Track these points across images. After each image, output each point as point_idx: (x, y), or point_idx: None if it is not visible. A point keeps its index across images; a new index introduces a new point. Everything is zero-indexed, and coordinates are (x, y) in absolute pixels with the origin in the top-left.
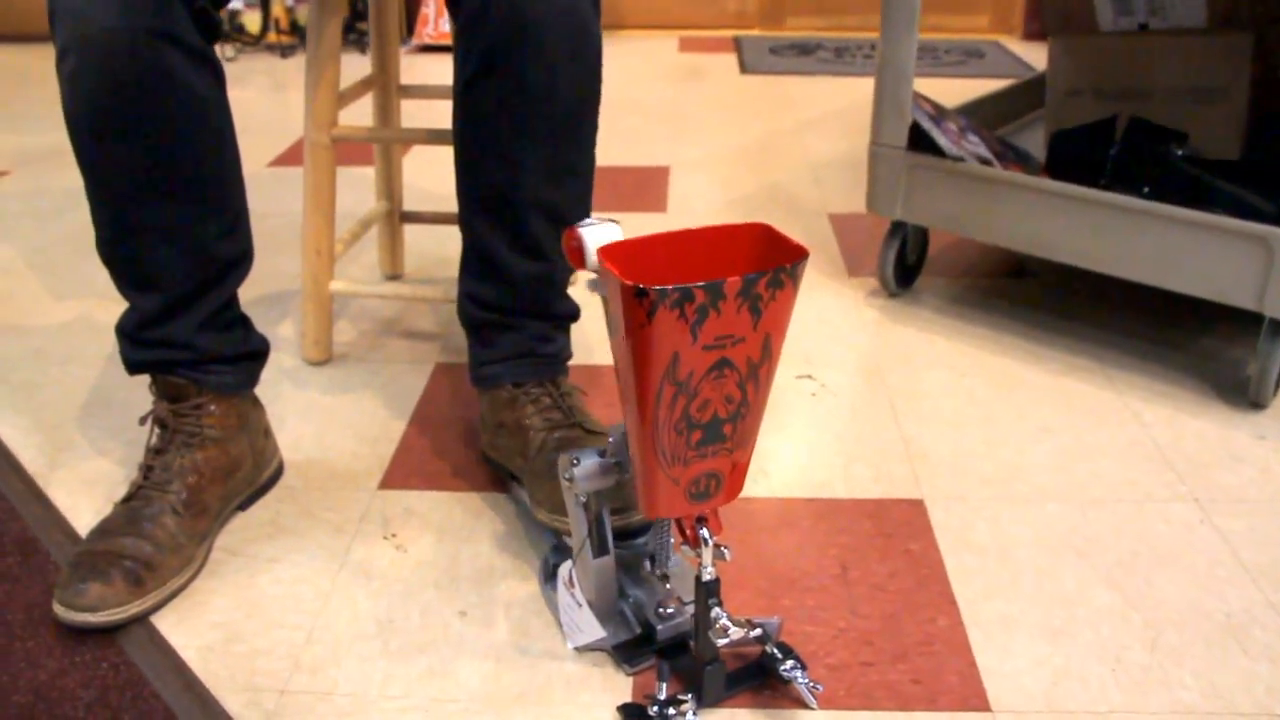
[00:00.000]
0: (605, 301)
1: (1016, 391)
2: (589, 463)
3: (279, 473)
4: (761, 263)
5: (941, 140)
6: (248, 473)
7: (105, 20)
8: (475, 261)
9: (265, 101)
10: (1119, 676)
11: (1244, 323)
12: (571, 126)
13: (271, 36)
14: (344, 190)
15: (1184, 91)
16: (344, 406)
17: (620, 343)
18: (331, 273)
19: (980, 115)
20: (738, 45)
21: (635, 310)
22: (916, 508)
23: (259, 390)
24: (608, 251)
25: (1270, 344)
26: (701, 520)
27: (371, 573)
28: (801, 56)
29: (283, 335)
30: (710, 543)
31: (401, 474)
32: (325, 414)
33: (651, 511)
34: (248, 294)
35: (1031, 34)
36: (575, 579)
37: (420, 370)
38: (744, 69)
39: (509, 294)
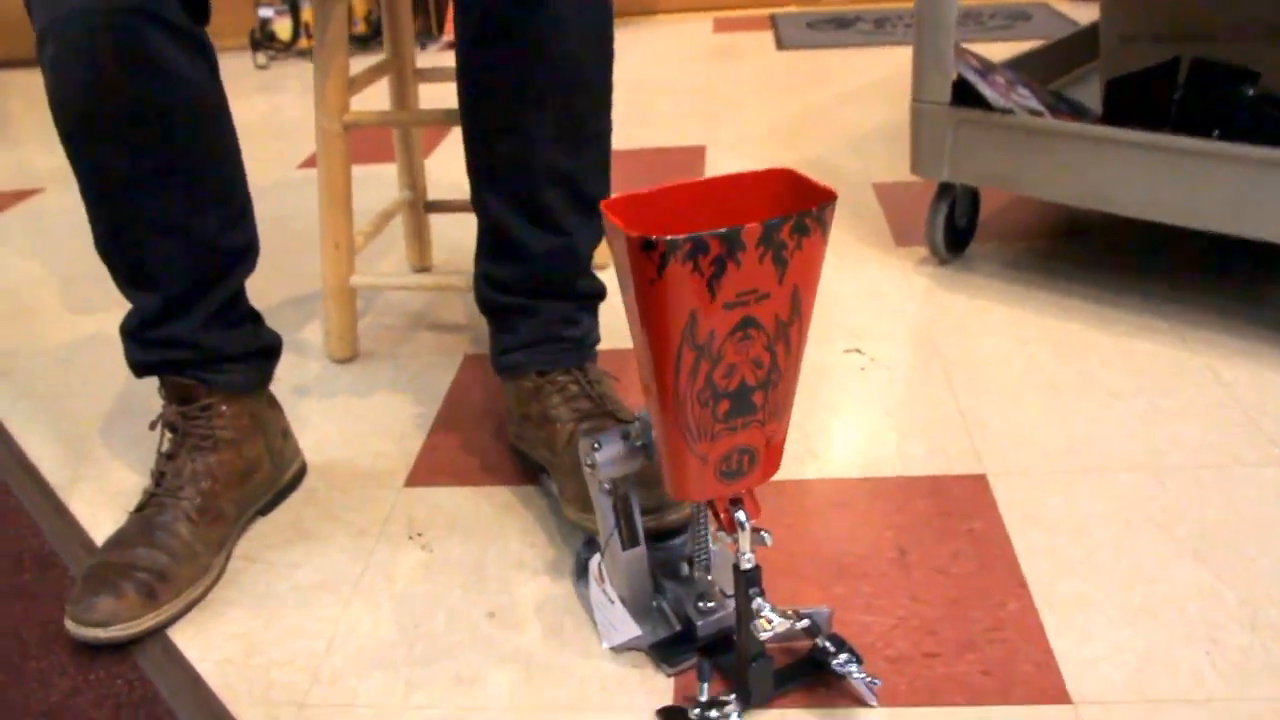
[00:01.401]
0: (614, 260)
1: (1082, 356)
2: (612, 446)
3: (301, 475)
4: (787, 209)
5: (988, 92)
6: (266, 475)
7: (81, 0)
8: (490, 241)
9: (297, 105)
10: (1215, 660)
11: None
12: (582, 87)
13: (303, 43)
14: (371, 188)
15: (1253, 27)
16: (369, 404)
17: (631, 304)
18: (352, 266)
19: (1029, 70)
20: (774, 22)
21: (644, 265)
22: (978, 483)
23: (281, 390)
24: (614, 204)
25: None
26: (736, 502)
27: (395, 575)
28: (840, 30)
29: (309, 335)
30: (747, 527)
31: (428, 471)
32: (350, 412)
33: (680, 494)
34: (274, 295)
35: None
36: (605, 574)
37: (448, 363)
38: (780, 45)
39: (528, 273)
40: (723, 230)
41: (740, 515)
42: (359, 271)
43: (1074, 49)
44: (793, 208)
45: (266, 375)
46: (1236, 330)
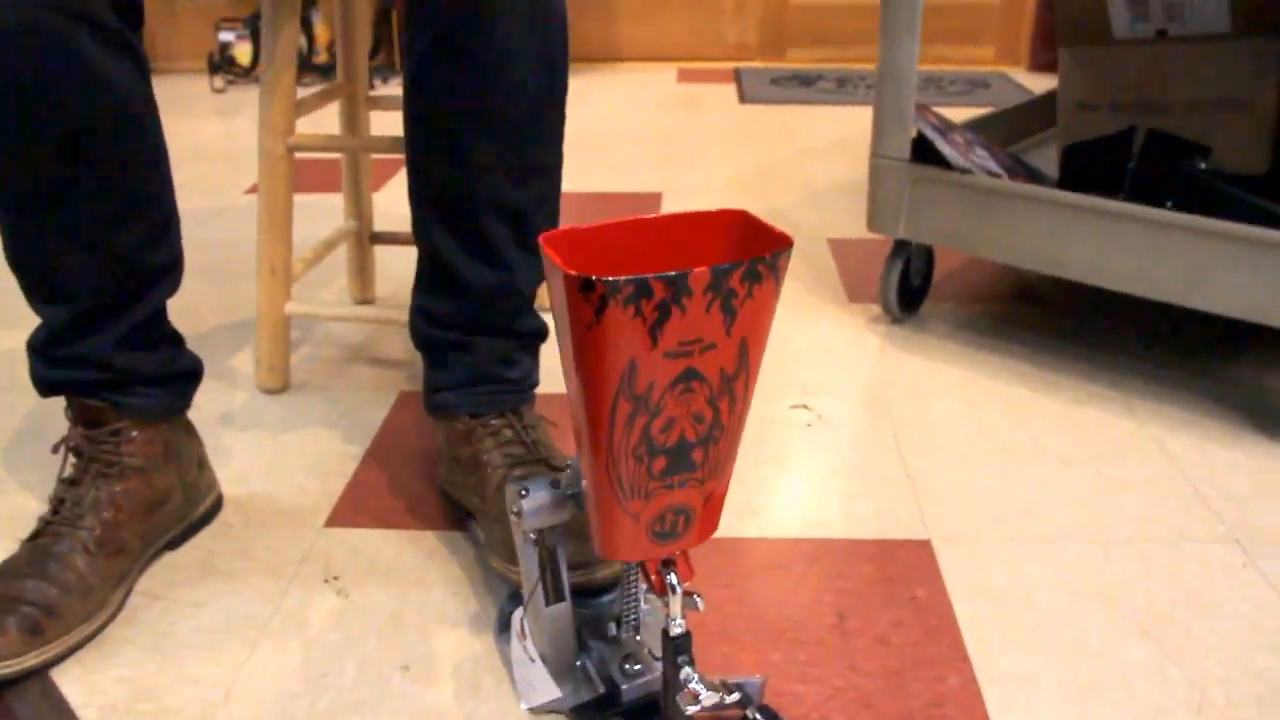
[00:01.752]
0: (550, 299)
1: (1031, 421)
2: (539, 494)
3: (216, 508)
4: (739, 254)
5: (946, 150)
6: (176, 508)
7: None
8: (429, 272)
9: (251, 130)
10: None
11: (1278, 347)
12: (532, 117)
13: (261, 68)
14: (320, 217)
15: (1206, 102)
16: (296, 438)
17: (566, 347)
18: (288, 294)
19: (988, 133)
20: (737, 76)
21: (581, 307)
22: (923, 549)
23: (204, 419)
24: (553, 238)
25: None
26: (669, 563)
27: (307, 620)
28: (802, 87)
29: (240, 363)
30: (679, 591)
31: (351, 511)
32: (276, 445)
33: (609, 553)
34: (210, 319)
35: (1039, 65)
36: (527, 629)
37: (383, 399)
38: (743, 99)
39: (466, 308)
40: (668, 274)
41: (672, 578)
42: (296, 299)
43: (1032, 115)
44: (745, 252)
45: (184, 401)
46: (1182, 402)
